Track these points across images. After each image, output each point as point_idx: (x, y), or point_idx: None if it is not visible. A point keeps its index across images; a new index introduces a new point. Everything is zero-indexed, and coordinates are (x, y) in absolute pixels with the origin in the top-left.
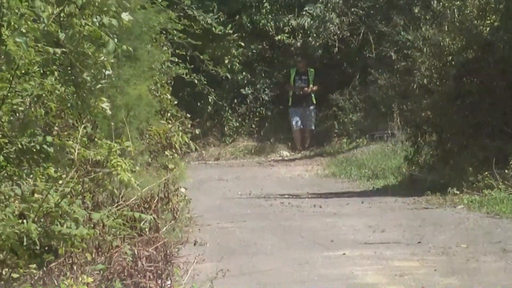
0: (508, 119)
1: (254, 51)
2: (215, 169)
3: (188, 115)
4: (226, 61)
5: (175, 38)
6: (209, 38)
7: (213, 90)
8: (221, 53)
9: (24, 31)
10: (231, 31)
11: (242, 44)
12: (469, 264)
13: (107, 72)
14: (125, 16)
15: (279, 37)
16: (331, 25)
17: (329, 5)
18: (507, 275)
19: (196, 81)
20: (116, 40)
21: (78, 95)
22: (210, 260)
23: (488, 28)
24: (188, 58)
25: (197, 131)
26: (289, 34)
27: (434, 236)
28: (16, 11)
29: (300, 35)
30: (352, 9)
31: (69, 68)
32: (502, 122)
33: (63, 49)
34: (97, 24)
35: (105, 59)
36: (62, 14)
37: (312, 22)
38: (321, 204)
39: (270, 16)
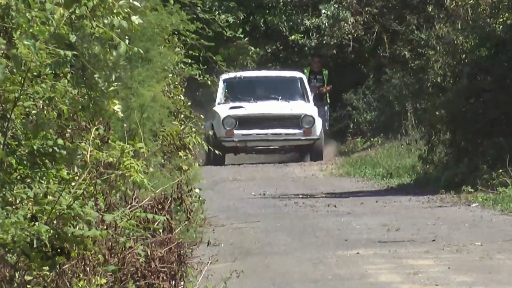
0: None
1: (268, 51)
2: (229, 170)
3: (202, 116)
4: (240, 62)
5: (188, 39)
6: (223, 39)
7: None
8: (235, 54)
9: (33, 33)
10: (241, 35)
11: (252, 48)
12: (483, 262)
13: (117, 75)
14: (135, 19)
15: (293, 37)
16: (345, 24)
17: (343, 3)
18: None
19: (209, 82)
20: (127, 41)
21: (90, 97)
22: (224, 260)
23: (501, 26)
24: (201, 59)
25: (210, 132)
26: (303, 34)
27: (449, 234)
28: (27, 14)
29: (314, 34)
30: (366, 8)
31: (80, 70)
32: None
33: (74, 52)
34: (108, 25)
35: (116, 61)
36: (73, 16)
37: (326, 21)
38: (335, 204)
39: (284, 17)
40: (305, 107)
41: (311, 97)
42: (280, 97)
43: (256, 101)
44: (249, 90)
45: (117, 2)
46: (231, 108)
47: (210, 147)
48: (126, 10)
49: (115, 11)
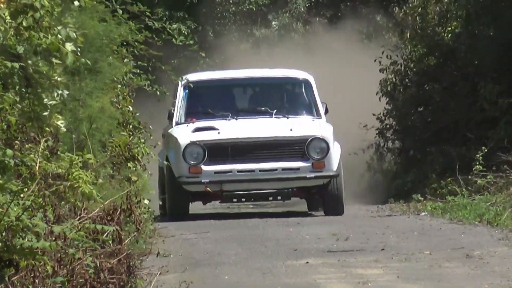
0: (471, 125)
1: (217, 61)
2: None
3: (151, 127)
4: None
5: (135, 51)
6: (173, 49)
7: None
8: (185, 64)
9: None
10: (191, 42)
11: (203, 54)
12: (432, 271)
13: (60, 92)
14: (69, 46)
15: (242, 46)
16: (295, 35)
17: (293, 13)
18: (470, 281)
19: (158, 92)
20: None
21: (33, 111)
22: (173, 271)
23: (449, 35)
24: (150, 69)
25: (159, 143)
26: (253, 44)
27: (398, 243)
28: None
29: (265, 44)
30: (317, 18)
31: (26, 83)
32: (465, 128)
33: (22, 63)
34: (56, 36)
35: (59, 78)
36: (20, 27)
37: (277, 31)
38: (284, 213)
39: (233, 27)
40: (313, 126)
41: (322, 109)
42: (274, 111)
43: (236, 118)
44: (225, 100)
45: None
46: (197, 130)
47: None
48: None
49: (63, 22)
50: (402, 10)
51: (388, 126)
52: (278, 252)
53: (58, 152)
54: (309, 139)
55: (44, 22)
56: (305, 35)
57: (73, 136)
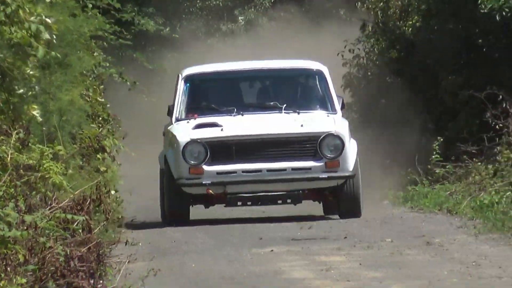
0: (431, 116)
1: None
2: (149, 170)
3: (119, 118)
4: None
5: (105, 43)
6: (141, 44)
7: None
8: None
9: None
10: (162, 27)
11: (177, 36)
12: (393, 258)
13: (31, 85)
14: (45, 34)
15: (209, 40)
16: (261, 29)
17: (258, 8)
18: (430, 268)
19: (128, 83)
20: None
21: (9, 102)
22: (142, 259)
23: (410, 29)
24: (121, 57)
25: (127, 134)
26: (219, 38)
27: (360, 231)
28: None
29: (231, 39)
30: (282, 14)
31: (1, 74)
32: (425, 119)
33: None
34: (27, 31)
35: (31, 72)
36: None
37: (243, 26)
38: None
39: (201, 22)
40: (327, 122)
41: (338, 104)
42: (284, 106)
43: (241, 114)
44: (230, 94)
45: (28, 18)
46: (198, 127)
47: (127, 149)
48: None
49: (32, 18)
50: (365, 4)
51: (351, 118)
52: (244, 240)
53: (29, 144)
54: (322, 136)
55: (15, 18)
56: (270, 29)
57: (44, 128)
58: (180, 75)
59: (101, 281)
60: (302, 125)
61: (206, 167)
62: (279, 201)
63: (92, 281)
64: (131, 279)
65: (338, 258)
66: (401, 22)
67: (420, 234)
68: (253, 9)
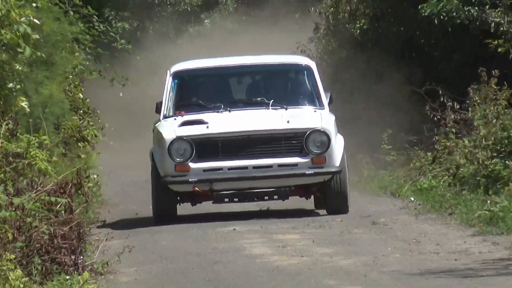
0: (378, 109)
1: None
2: (127, 158)
3: (98, 111)
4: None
5: (86, 48)
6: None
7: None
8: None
9: None
10: (129, 46)
11: (138, 58)
12: (343, 236)
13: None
14: (33, 34)
15: (179, 41)
16: (224, 31)
17: (224, 12)
18: (376, 245)
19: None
20: (33, 46)
21: (1, 94)
22: (118, 237)
23: (358, 31)
24: (98, 60)
25: (106, 125)
26: (187, 39)
27: (313, 212)
28: None
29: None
30: (243, 17)
31: None
32: (375, 113)
33: None
34: (17, 33)
35: (20, 68)
36: None
37: (209, 28)
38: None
39: (171, 25)
40: (313, 118)
41: (326, 99)
42: (271, 101)
43: (229, 110)
44: (217, 90)
45: (18, 19)
46: (184, 124)
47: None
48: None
49: (21, 19)
50: (317, 9)
51: None
52: (209, 220)
53: (18, 134)
54: (308, 132)
55: (5, 21)
56: (233, 31)
57: (30, 119)
58: (168, 72)
59: (81, 257)
60: (288, 121)
61: (192, 165)
62: (266, 198)
63: (73, 257)
64: (108, 255)
65: (293, 236)
66: (349, 25)
67: (367, 214)
68: (218, 13)
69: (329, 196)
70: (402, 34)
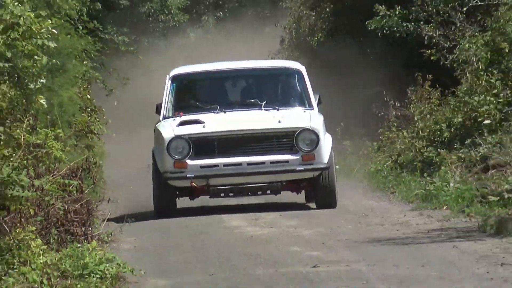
0: (335, 108)
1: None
2: (126, 147)
3: (103, 109)
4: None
5: (92, 55)
6: (118, 55)
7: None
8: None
9: None
10: (132, 48)
11: (141, 57)
12: (304, 211)
13: (40, 81)
14: (51, 43)
15: (169, 51)
16: (205, 43)
17: (205, 28)
18: (332, 218)
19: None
20: (49, 56)
21: (23, 94)
22: (121, 213)
23: (316, 43)
24: (102, 68)
25: (109, 121)
26: (176, 50)
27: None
28: None
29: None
30: (222, 31)
31: (16, 76)
32: (331, 110)
33: (10, 64)
34: (35, 44)
35: (39, 71)
36: (8, 38)
37: (193, 41)
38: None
39: (162, 38)
40: (303, 118)
41: (315, 100)
42: (264, 103)
43: (224, 111)
44: (214, 93)
45: (39, 30)
46: (182, 124)
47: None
48: (46, 36)
49: (41, 32)
50: (282, 25)
51: None
52: (196, 203)
53: (37, 128)
54: (298, 131)
55: (26, 35)
56: (213, 42)
57: (48, 116)
58: (167, 76)
59: (90, 228)
60: (279, 121)
61: (189, 161)
62: (259, 192)
63: (83, 229)
64: (112, 227)
65: (264, 212)
66: (309, 38)
67: None
68: (201, 28)
69: (318, 191)
70: (353, 45)
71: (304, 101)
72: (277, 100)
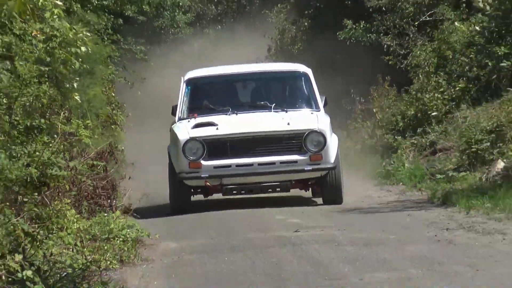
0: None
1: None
2: (143, 135)
3: (125, 105)
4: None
5: (115, 59)
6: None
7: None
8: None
9: (26, 57)
10: (146, 57)
11: (152, 64)
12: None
13: (75, 80)
14: (83, 49)
15: (176, 59)
16: (207, 51)
17: (206, 39)
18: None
19: (128, 83)
20: (81, 61)
21: (60, 92)
22: (140, 189)
23: (297, 51)
24: (124, 68)
25: (129, 114)
26: (183, 57)
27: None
28: (21, 46)
29: (189, 58)
30: (221, 40)
31: (55, 77)
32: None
33: (50, 67)
34: (70, 51)
35: (72, 75)
36: (48, 47)
37: (197, 49)
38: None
39: (171, 47)
40: (311, 119)
41: (321, 102)
42: (273, 105)
43: (236, 113)
44: (226, 95)
45: (75, 38)
46: (196, 126)
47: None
48: (79, 43)
49: (75, 43)
50: (269, 36)
51: None
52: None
53: (71, 120)
54: (306, 133)
55: (62, 44)
56: (213, 50)
57: (79, 110)
58: (182, 78)
59: (114, 201)
60: (288, 123)
61: (204, 162)
62: (269, 190)
63: (109, 201)
64: (132, 200)
65: (247, 197)
66: (291, 46)
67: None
68: (203, 39)
69: (325, 190)
70: (326, 52)
71: (311, 102)
72: (286, 102)
